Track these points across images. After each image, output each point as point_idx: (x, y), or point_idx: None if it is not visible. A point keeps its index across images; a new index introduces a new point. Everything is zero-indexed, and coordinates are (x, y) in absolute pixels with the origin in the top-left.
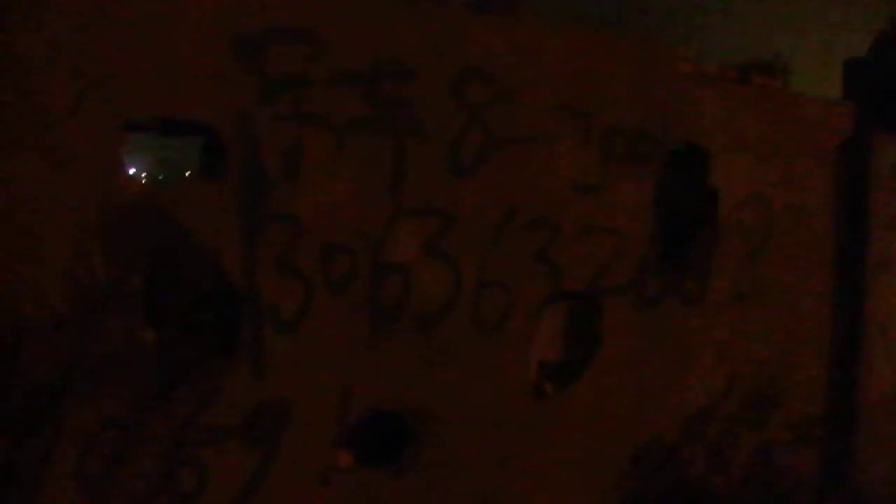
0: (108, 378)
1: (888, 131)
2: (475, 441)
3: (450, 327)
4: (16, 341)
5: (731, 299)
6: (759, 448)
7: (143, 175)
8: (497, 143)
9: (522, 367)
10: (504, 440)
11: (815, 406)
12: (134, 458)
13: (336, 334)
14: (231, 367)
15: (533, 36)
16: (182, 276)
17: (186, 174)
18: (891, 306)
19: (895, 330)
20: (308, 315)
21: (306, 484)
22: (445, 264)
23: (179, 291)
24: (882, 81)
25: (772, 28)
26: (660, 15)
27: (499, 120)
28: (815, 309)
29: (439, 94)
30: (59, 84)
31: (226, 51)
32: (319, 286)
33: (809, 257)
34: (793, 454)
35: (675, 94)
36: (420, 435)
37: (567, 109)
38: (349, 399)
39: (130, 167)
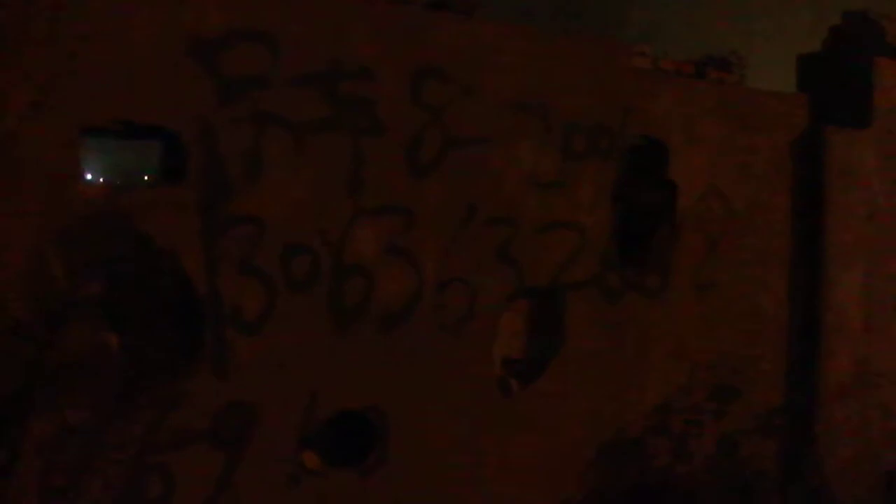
0: (71, 384)
1: (842, 125)
2: (440, 438)
3: (413, 325)
4: None
5: (692, 293)
6: (723, 439)
7: (101, 180)
8: (456, 142)
9: (486, 364)
10: (469, 436)
11: (777, 396)
12: (99, 465)
13: (299, 335)
14: (195, 370)
15: (491, 35)
16: (143, 280)
17: (145, 178)
18: (847, 295)
19: (851, 320)
20: (271, 316)
21: (274, 485)
22: (407, 263)
23: (141, 295)
24: (836, 76)
25: (727, 24)
26: (617, 10)
27: (458, 119)
28: (775, 300)
29: (398, 94)
30: (13, 89)
31: (183, 53)
32: (282, 287)
33: (768, 250)
34: (755, 444)
35: (632, 90)
36: (385, 433)
37: (526, 107)
38: (314, 399)
39: (86, 172)
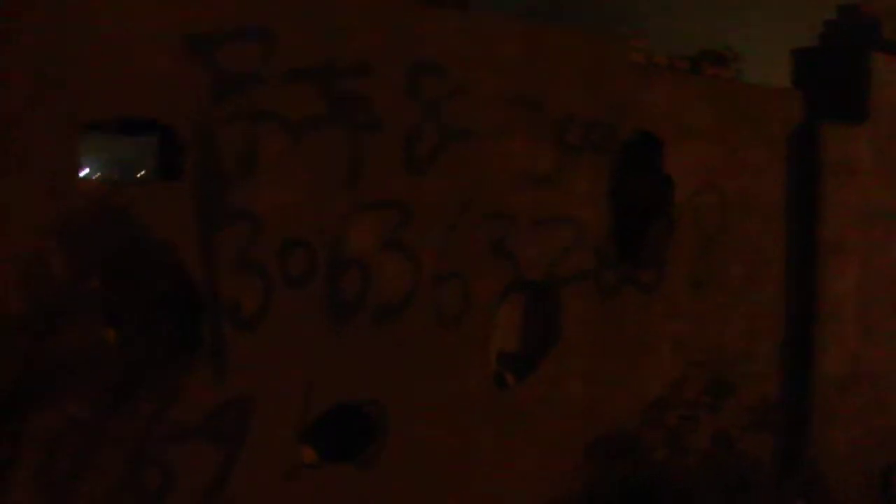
0: (70, 379)
1: (837, 119)
2: (437, 432)
3: (410, 320)
4: None
5: (687, 287)
6: (718, 433)
7: (97, 175)
8: (452, 136)
9: (483, 358)
10: (466, 430)
11: (772, 390)
12: (98, 459)
13: (297, 330)
14: (193, 365)
15: (486, 29)
16: (141, 275)
17: (141, 173)
18: (841, 290)
19: (846, 313)
20: (268, 312)
21: (272, 480)
22: (404, 258)
23: (139, 291)
24: (830, 71)
25: (722, 18)
26: (613, 4)
27: (454, 113)
28: (770, 295)
29: (394, 89)
30: (13, 84)
31: (179, 49)
32: (279, 283)
33: (763, 244)
34: (751, 438)
35: (627, 84)
36: (382, 428)
37: (521, 101)
38: (312, 394)
39: (84, 168)
